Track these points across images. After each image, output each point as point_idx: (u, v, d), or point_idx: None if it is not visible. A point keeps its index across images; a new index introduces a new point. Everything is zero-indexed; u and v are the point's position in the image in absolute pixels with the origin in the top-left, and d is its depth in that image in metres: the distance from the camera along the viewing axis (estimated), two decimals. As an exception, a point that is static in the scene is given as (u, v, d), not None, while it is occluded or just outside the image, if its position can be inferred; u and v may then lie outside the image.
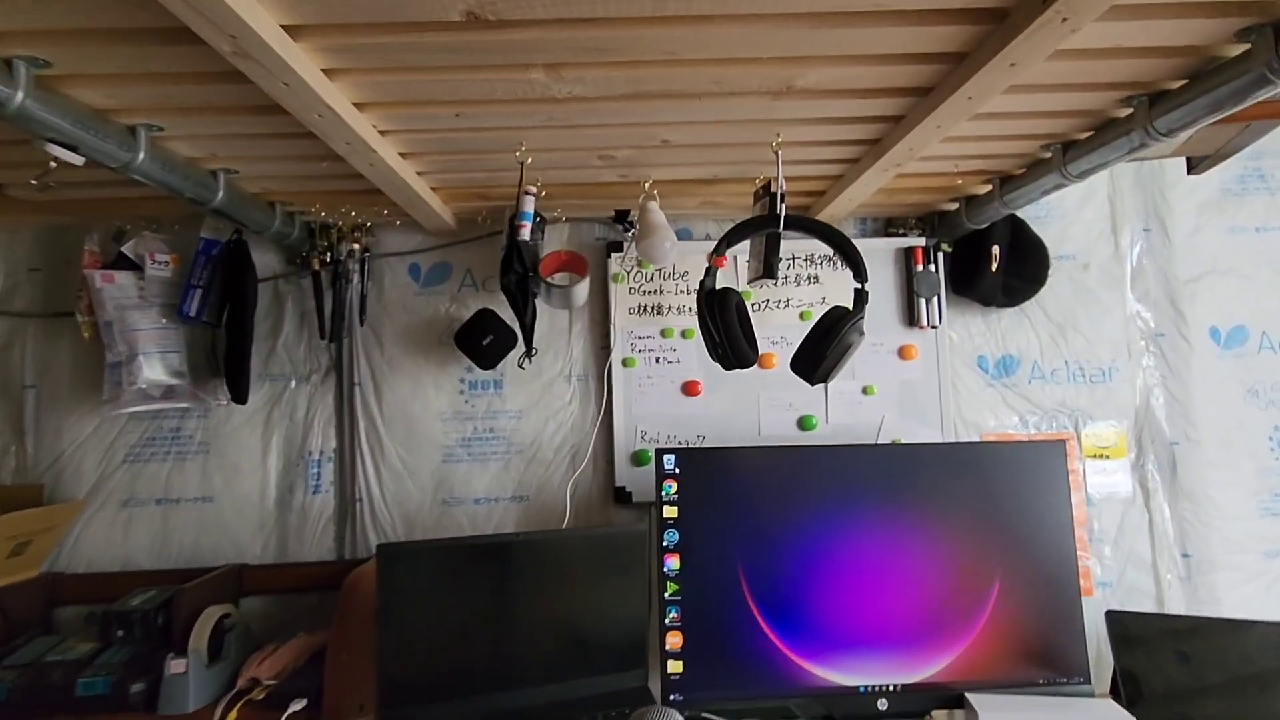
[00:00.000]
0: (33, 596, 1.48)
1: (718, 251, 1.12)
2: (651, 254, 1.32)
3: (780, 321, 1.64)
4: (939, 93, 0.96)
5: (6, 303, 1.61)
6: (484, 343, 1.50)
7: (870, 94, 1.01)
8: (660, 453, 1.35)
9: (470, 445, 1.62)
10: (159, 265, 1.50)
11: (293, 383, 1.63)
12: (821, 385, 1.61)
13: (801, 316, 1.64)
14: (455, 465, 1.62)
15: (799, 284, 1.65)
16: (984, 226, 1.58)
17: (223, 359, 1.52)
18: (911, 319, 1.64)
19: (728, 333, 1.07)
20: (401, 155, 1.20)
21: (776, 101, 1.02)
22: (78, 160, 0.95)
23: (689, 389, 1.61)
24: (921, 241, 1.66)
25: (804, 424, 1.61)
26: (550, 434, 1.63)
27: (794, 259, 1.65)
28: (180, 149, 1.14)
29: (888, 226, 1.73)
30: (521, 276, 1.16)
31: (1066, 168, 1.21)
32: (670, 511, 1.33)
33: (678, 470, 1.35)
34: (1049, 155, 1.26)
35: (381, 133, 1.10)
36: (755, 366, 1.49)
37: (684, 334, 1.62)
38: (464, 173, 1.32)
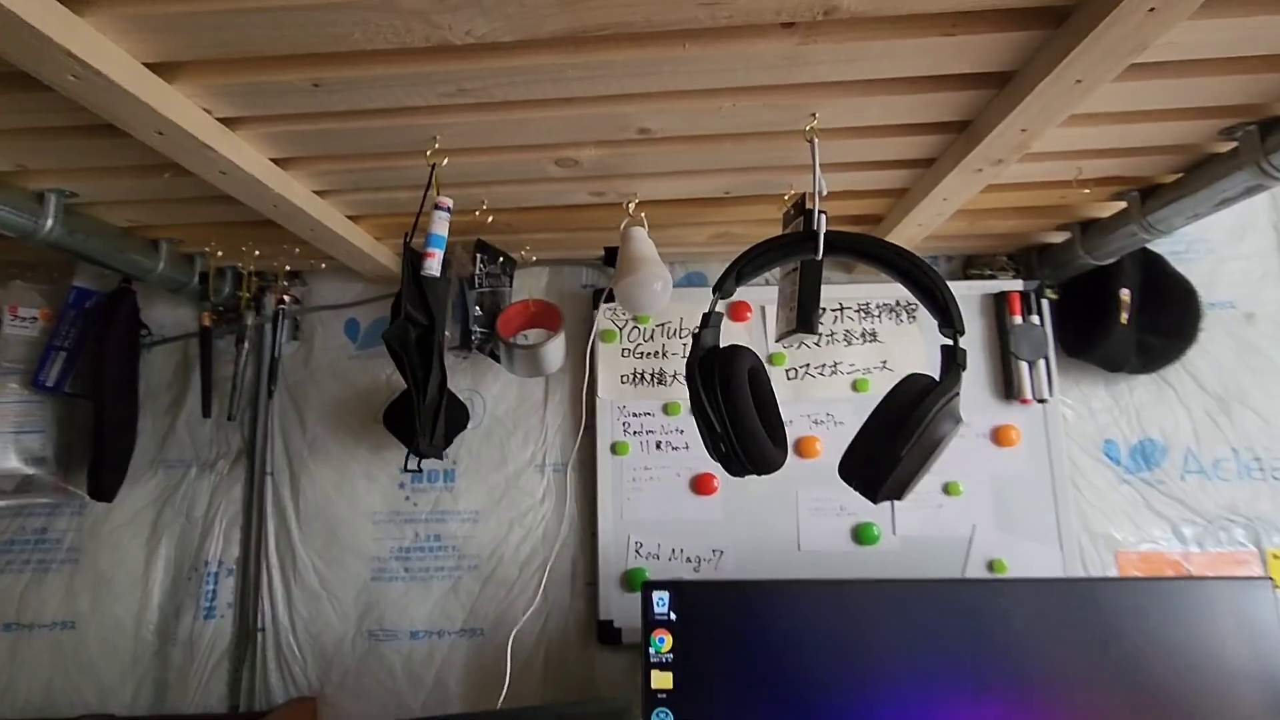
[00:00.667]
0: None
1: (722, 289, 0.73)
2: (633, 297, 0.93)
3: (825, 394, 1.21)
4: (1092, 10, 0.56)
5: None
6: (421, 422, 1.12)
7: (973, 25, 0.62)
8: (649, 588, 0.92)
9: (409, 557, 1.22)
10: (22, 322, 1.18)
11: (193, 470, 1.27)
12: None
13: (855, 387, 1.21)
14: (388, 585, 1.21)
15: (850, 342, 1.23)
16: (1107, 263, 1.15)
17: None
18: (1009, 390, 1.20)
19: (734, 418, 0.66)
20: (275, 161, 0.85)
21: (805, 46, 0.64)
22: None
23: (701, 485, 1.18)
24: (1018, 285, 1.23)
25: (861, 536, 1.16)
26: (515, 544, 1.21)
27: (842, 309, 1.24)
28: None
29: (968, 266, 1.30)
30: (425, 330, 0.78)
31: (1269, 159, 0.78)
32: (661, 680, 0.89)
33: (673, 615, 0.91)
34: (1232, 144, 0.84)
35: (225, 122, 0.75)
36: (792, 456, 1.09)
37: (694, 410, 1.21)
38: (379, 191, 0.96)
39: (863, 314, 1.24)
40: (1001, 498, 1.18)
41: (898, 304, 1.24)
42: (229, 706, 1.19)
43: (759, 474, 0.70)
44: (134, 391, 1.21)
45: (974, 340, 1.23)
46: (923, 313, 1.22)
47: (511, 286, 1.23)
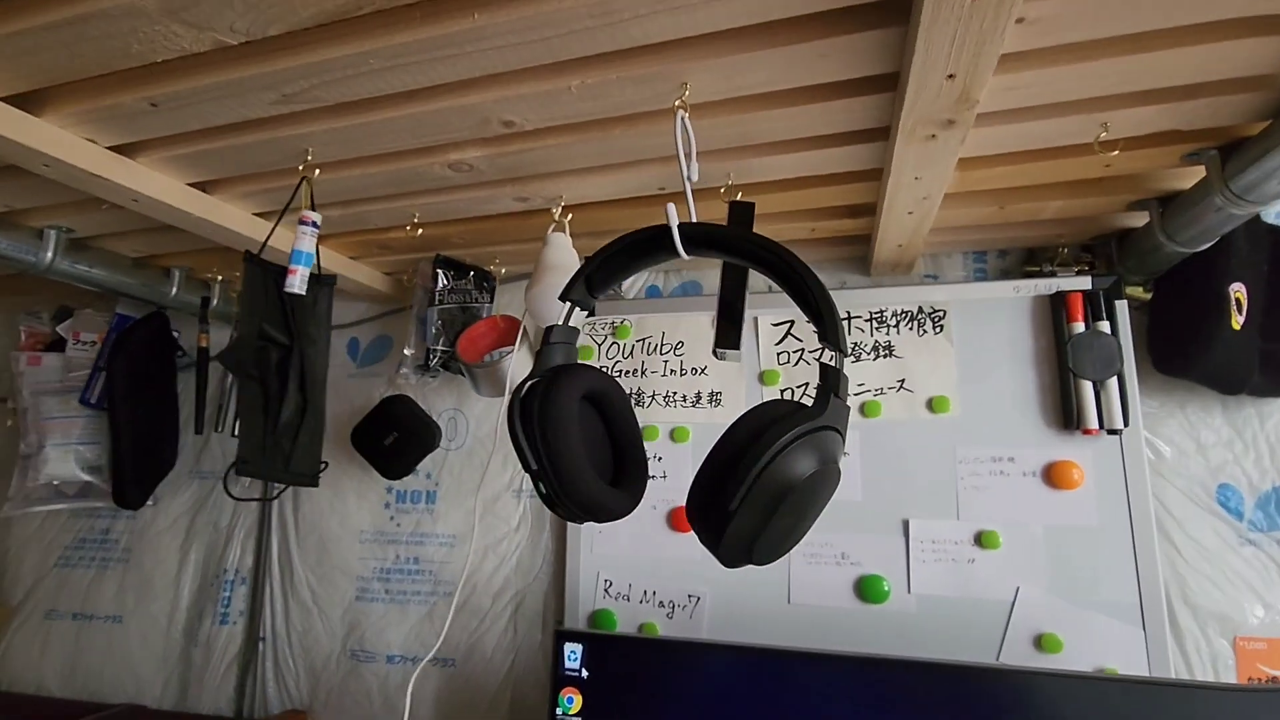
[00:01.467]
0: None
1: (570, 297, 0.61)
2: (537, 309, 0.83)
3: (825, 417, 1.02)
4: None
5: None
6: (386, 442, 1.10)
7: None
8: (561, 638, 0.81)
9: (389, 579, 1.20)
10: (83, 345, 1.33)
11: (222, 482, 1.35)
12: (898, 528, 0.97)
13: (864, 411, 1.02)
14: (370, 605, 1.20)
15: (859, 357, 1.03)
16: (1204, 249, 0.86)
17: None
18: (1067, 418, 0.94)
19: (553, 453, 0.55)
20: (200, 185, 0.87)
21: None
22: None
23: (679, 520, 1.05)
24: (1084, 283, 0.97)
25: (867, 591, 0.96)
26: (489, 572, 1.15)
27: (850, 317, 1.05)
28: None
29: (1027, 261, 1.05)
30: (286, 350, 0.75)
31: (1374, 81, 0.52)
32: (562, 749, 0.78)
33: (585, 672, 0.80)
34: (1325, 68, 0.58)
35: (124, 149, 0.77)
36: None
37: (673, 435, 1.08)
38: (322, 209, 0.95)
39: (875, 323, 1.03)
40: (1057, 554, 0.92)
41: (920, 311, 1.02)
42: (235, 710, 1.24)
43: (596, 521, 0.58)
44: (159, 407, 1.30)
45: (1022, 354, 0.98)
46: (955, 322, 1.01)
47: (493, 301, 1.18)
